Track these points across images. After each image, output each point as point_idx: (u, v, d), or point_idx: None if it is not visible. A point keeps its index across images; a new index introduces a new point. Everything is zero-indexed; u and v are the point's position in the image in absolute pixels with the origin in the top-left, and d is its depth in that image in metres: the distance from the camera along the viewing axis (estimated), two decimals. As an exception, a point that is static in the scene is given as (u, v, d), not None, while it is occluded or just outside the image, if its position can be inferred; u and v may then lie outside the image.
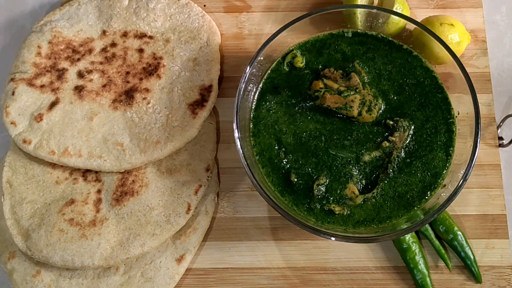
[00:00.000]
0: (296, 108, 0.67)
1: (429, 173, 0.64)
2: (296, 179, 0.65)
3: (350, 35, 0.70)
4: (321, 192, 0.64)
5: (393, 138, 0.65)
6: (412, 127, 0.66)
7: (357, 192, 0.64)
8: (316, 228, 0.60)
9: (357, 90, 0.66)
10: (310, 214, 0.64)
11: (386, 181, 0.64)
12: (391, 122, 0.65)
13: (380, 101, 0.66)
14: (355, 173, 0.65)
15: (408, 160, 0.65)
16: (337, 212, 0.63)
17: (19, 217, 0.69)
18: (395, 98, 0.67)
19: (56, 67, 0.75)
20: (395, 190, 0.64)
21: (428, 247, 0.70)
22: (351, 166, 0.65)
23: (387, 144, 0.65)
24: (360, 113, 0.65)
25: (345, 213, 0.63)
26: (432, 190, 0.64)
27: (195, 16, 0.77)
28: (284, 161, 0.65)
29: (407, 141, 0.65)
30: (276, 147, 0.66)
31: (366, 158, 0.65)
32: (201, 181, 0.70)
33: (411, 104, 0.67)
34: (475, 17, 0.79)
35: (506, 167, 0.74)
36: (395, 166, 0.64)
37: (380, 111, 0.66)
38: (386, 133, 0.66)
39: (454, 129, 0.66)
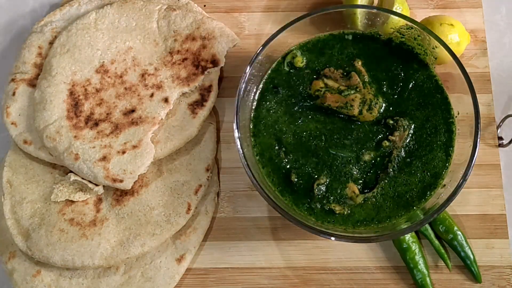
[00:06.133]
0: (296, 108, 0.67)
1: (428, 173, 0.64)
2: (296, 179, 0.65)
3: (350, 36, 0.70)
4: (321, 192, 0.64)
5: (393, 138, 0.65)
6: (412, 126, 0.66)
7: (357, 192, 0.64)
8: (316, 228, 0.60)
9: (358, 89, 0.66)
10: (310, 213, 0.64)
11: (386, 181, 0.64)
12: (391, 122, 0.65)
13: (380, 100, 0.66)
14: (355, 172, 0.65)
15: (408, 159, 0.65)
16: (337, 212, 0.63)
17: (20, 217, 0.69)
18: (395, 97, 0.67)
19: (57, 67, 0.75)
20: (395, 190, 0.64)
21: (428, 247, 0.70)
22: (351, 166, 0.65)
23: (387, 143, 0.65)
24: (360, 112, 0.65)
25: (345, 212, 0.63)
26: (432, 190, 0.64)
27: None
28: (285, 161, 0.66)
29: (407, 141, 0.65)
30: (276, 147, 0.66)
31: (366, 157, 0.65)
32: (201, 181, 0.70)
33: (411, 104, 0.67)
34: (475, 17, 0.79)
35: (506, 167, 0.74)
36: (395, 166, 0.64)
37: (381, 110, 0.66)
38: (387, 133, 0.66)
39: (454, 129, 0.66)
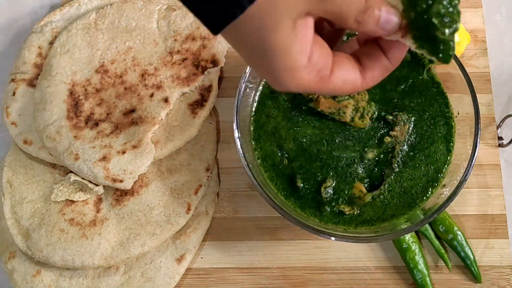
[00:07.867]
0: (293, 112, 0.67)
1: (432, 167, 0.64)
2: (302, 184, 0.64)
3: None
4: (329, 195, 0.64)
5: (394, 133, 0.65)
6: (412, 119, 0.65)
7: (364, 190, 0.64)
8: (316, 228, 0.60)
9: (351, 96, 0.65)
10: (320, 218, 0.64)
11: (392, 177, 0.64)
12: (390, 117, 0.65)
13: (373, 107, 0.66)
14: (360, 171, 0.65)
15: (412, 153, 0.65)
16: (347, 213, 0.63)
17: (19, 217, 0.69)
18: (394, 98, 0.67)
19: (57, 67, 0.75)
20: (401, 185, 0.64)
21: (428, 247, 0.70)
22: (356, 165, 0.65)
23: (389, 139, 0.65)
24: (352, 119, 0.65)
25: (355, 212, 0.63)
26: (434, 187, 0.64)
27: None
28: (288, 167, 0.65)
29: (409, 134, 0.65)
30: (279, 153, 0.66)
31: (370, 155, 0.65)
32: (201, 181, 0.70)
33: (411, 104, 0.66)
34: (475, 17, 0.79)
35: (506, 167, 0.74)
36: (399, 161, 0.64)
37: (373, 118, 0.66)
38: (387, 129, 0.65)
39: (453, 124, 0.66)
